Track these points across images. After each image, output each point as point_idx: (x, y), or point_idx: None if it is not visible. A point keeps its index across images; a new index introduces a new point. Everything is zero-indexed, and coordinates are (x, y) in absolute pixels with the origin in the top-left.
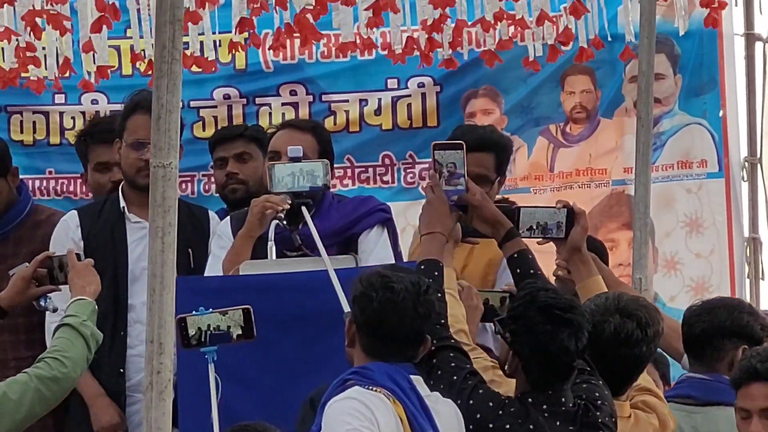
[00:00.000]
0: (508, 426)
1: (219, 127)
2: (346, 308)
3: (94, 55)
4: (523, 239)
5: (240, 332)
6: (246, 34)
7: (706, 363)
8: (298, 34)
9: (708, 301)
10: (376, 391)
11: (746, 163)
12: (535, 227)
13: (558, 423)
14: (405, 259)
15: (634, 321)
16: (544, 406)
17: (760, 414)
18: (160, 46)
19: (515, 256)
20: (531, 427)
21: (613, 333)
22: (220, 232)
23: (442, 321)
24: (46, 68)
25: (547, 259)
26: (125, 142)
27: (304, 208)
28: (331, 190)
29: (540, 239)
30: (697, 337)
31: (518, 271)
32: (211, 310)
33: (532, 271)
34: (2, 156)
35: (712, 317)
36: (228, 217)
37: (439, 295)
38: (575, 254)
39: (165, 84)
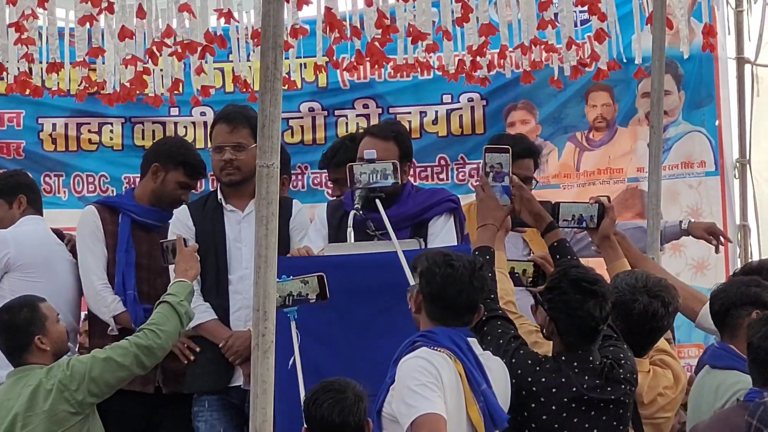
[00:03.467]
0: (543, 379)
1: (304, 134)
2: (412, 282)
3: (202, 76)
4: (561, 229)
5: (316, 296)
6: (327, 59)
7: (729, 331)
8: (369, 59)
9: (724, 282)
10: (439, 351)
11: (737, 164)
12: (571, 219)
13: (587, 377)
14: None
15: (659, 301)
16: (575, 363)
17: None
18: (264, 68)
19: (555, 244)
20: (563, 380)
21: (642, 311)
22: (318, 217)
23: (492, 296)
24: (162, 86)
25: None
26: (210, 149)
27: (377, 200)
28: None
29: (576, 228)
30: (717, 312)
31: (558, 256)
32: (292, 277)
33: (568, 257)
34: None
35: (726, 294)
36: (326, 204)
37: (490, 274)
38: (605, 241)
39: (268, 99)
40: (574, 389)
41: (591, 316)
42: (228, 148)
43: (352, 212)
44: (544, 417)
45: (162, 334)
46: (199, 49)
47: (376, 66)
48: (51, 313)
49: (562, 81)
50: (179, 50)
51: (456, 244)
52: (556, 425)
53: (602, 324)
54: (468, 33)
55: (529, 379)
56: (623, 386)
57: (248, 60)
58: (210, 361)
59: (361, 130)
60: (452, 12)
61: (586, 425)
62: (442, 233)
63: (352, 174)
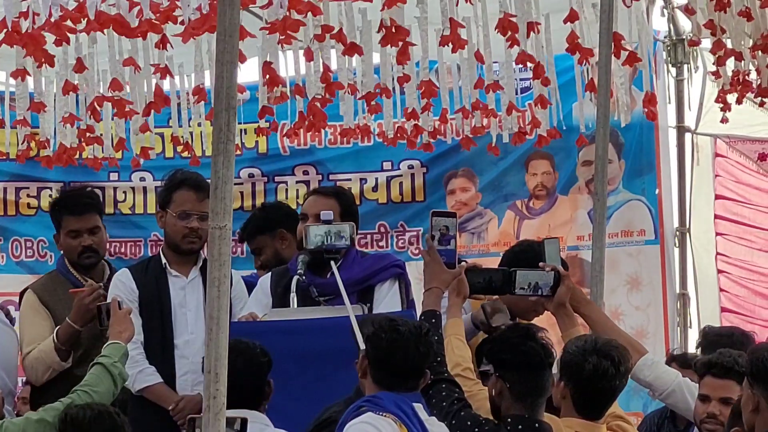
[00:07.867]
0: None
1: (244, 200)
2: (362, 346)
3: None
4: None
5: None
6: (267, 123)
7: None
8: (310, 121)
9: None
10: (385, 416)
11: (677, 233)
12: (528, 287)
13: None
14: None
15: (609, 360)
16: (519, 426)
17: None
18: (218, 129)
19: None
20: None
21: (592, 370)
22: (260, 285)
23: (438, 359)
24: (102, 150)
25: None
26: (172, 212)
27: (332, 262)
28: None
29: (532, 296)
30: None
31: None
32: None
33: None
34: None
35: None
36: (270, 273)
37: (436, 338)
38: (561, 309)
39: (221, 161)
40: None
41: (534, 351)
42: (196, 216)
43: (295, 277)
44: None
45: (95, 395)
46: (144, 105)
47: (316, 132)
48: None
49: (502, 148)
50: (123, 107)
51: (400, 309)
52: None
53: (547, 365)
54: (408, 94)
55: None
56: None
57: (189, 125)
58: (153, 425)
59: (300, 198)
60: (393, 75)
61: None
62: (386, 299)
63: (308, 235)
